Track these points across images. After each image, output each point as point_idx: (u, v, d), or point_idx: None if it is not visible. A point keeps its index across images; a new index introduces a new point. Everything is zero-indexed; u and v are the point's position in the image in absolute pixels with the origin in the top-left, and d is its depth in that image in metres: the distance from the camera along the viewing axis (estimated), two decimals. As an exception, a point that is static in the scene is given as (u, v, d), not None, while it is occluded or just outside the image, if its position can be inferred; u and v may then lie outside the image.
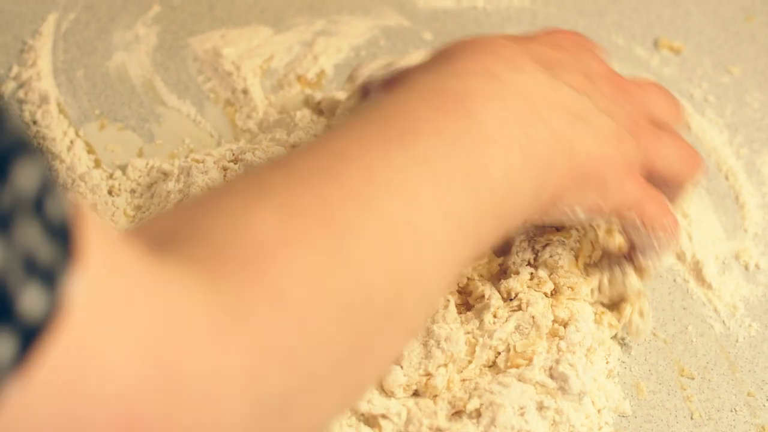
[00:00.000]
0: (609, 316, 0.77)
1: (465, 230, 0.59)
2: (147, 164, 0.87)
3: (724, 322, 0.81)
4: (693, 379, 0.78)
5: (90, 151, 0.90)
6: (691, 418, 0.76)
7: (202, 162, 0.83)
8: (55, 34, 0.99)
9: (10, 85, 0.95)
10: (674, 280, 0.83)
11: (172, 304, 0.45)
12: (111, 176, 0.88)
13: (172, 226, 0.54)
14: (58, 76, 0.96)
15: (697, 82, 0.97)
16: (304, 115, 0.85)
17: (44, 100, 0.93)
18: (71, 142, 0.90)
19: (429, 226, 0.57)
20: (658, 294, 0.82)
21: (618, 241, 0.78)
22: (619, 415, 0.75)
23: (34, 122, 0.92)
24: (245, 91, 0.95)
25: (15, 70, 0.96)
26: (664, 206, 0.74)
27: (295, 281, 0.50)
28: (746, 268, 0.84)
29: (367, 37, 1.00)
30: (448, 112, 0.62)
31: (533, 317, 0.73)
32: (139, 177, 0.87)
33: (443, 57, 0.71)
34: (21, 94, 0.94)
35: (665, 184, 0.75)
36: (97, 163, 0.89)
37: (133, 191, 0.87)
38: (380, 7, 1.02)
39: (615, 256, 0.77)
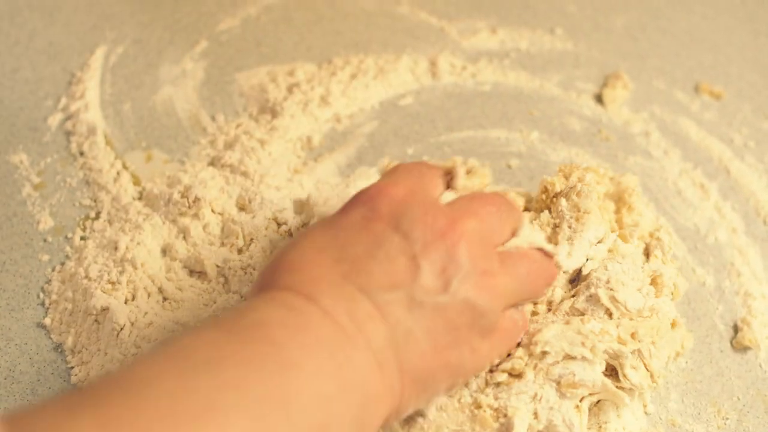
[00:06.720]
0: None
1: None
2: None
3: (761, 365, 0.81)
4: (729, 420, 0.78)
5: (136, 182, 0.91)
6: (727, 460, 0.77)
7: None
8: (104, 67, 1.01)
9: (58, 117, 0.96)
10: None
11: None
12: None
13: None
14: (105, 109, 0.98)
15: (737, 127, 0.97)
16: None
17: (92, 131, 0.95)
18: (118, 173, 0.92)
19: None
20: (696, 336, 0.82)
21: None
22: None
23: (82, 153, 0.93)
24: (289, 127, 0.96)
25: (63, 101, 0.98)
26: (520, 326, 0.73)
27: None
28: (785, 311, 0.85)
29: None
30: (252, 341, 0.59)
31: None
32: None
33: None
34: (69, 125, 0.96)
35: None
36: (142, 195, 0.90)
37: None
38: (424, 47, 1.03)
39: None
